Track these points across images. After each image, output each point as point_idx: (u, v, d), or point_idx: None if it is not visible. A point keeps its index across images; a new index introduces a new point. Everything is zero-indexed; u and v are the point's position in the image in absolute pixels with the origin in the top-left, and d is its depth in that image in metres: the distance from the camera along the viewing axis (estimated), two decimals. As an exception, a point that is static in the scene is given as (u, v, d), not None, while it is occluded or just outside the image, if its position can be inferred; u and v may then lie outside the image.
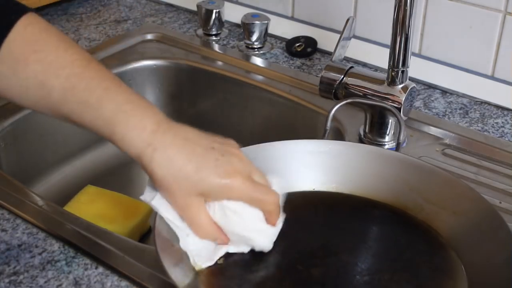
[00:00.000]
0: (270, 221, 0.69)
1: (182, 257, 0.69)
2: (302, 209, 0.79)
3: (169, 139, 0.65)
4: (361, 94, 0.93)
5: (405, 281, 0.70)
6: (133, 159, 0.66)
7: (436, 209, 0.76)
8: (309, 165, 0.81)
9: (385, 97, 0.91)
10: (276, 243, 0.71)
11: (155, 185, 0.66)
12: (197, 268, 0.68)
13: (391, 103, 0.90)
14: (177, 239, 0.68)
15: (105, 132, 0.66)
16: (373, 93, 0.92)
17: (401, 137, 0.89)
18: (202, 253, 0.68)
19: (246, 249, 0.70)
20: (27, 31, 0.66)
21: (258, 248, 0.70)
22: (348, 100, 0.92)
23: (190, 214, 0.67)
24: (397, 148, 0.89)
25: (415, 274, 0.71)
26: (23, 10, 0.66)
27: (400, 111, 0.90)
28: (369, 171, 0.80)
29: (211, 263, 0.69)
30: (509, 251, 0.67)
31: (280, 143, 0.81)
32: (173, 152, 0.65)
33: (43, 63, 0.65)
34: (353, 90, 0.93)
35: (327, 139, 0.89)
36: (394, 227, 0.77)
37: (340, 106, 0.91)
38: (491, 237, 0.70)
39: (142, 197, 0.68)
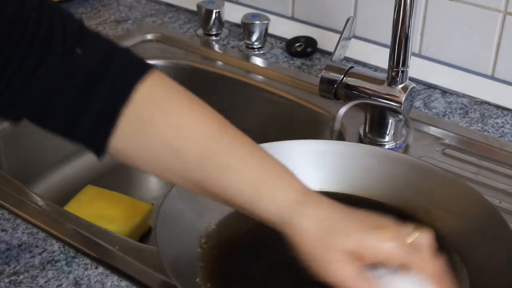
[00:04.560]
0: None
1: (182, 256, 0.69)
2: None
3: (317, 201, 0.62)
4: (361, 94, 0.93)
5: None
6: (272, 223, 0.61)
7: (443, 213, 0.76)
8: (320, 165, 0.81)
9: (385, 97, 0.91)
10: (278, 241, 0.71)
11: (299, 251, 0.61)
12: None
13: (393, 104, 0.90)
14: None
15: (245, 196, 0.61)
16: (373, 93, 0.92)
17: (410, 139, 0.89)
18: None
19: None
20: (154, 92, 0.61)
21: None
22: (357, 102, 0.92)
23: (341, 279, 0.59)
24: (406, 150, 0.88)
25: None
26: (146, 67, 0.61)
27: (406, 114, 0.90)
28: (379, 174, 0.80)
29: None
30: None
31: (285, 142, 0.81)
32: (322, 212, 0.61)
33: (177, 128, 0.61)
34: (353, 90, 0.93)
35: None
36: None
37: (350, 107, 0.91)
38: (497, 244, 0.70)
39: None
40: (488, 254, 0.69)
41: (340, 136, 0.98)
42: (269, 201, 0.61)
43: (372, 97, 0.92)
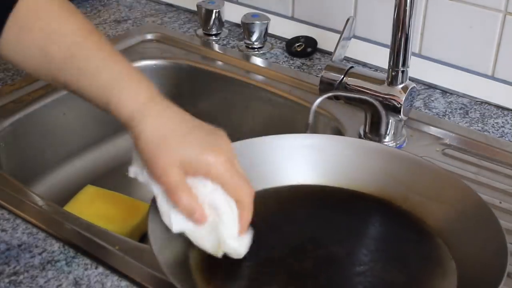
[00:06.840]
0: (241, 216, 0.68)
1: (177, 253, 0.69)
2: (289, 203, 0.80)
3: (160, 109, 0.68)
4: (361, 94, 0.93)
5: (397, 270, 0.70)
6: (123, 125, 0.68)
7: (421, 198, 0.77)
8: (294, 159, 0.81)
9: (385, 97, 0.91)
10: (265, 236, 0.71)
11: (138, 150, 0.67)
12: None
13: (390, 103, 0.90)
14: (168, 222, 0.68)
15: (100, 98, 0.68)
16: (373, 93, 0.92)
17: (383, 129, 0.89)
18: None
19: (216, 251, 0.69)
20: (32, 0, 0.69)
21: (230, 252, 0.69)
22: (330, 94, 0.92)
23: (167, 181, 0.66)
24: (379, 140, 0.89)
25: (406, 263, 0.72)
26: None
27: (387, 105, 0.90)
28: (353, 163, 0.81)
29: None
30: (495, 236, 0.68)
31: (267, 137, 0.81)
32: (161, 120, 0.67)
33: (45, 31, 0.69)
34: (353, 90, 0.93)
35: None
36: (380, 218, 0.78)
37: (323, 99, 0.91)
38: (476, 223, 0.71)
39: (130, 171, 0.70)
40: (476, 247, 0.70)
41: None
42: (115, 107, 0.67)
43: (371, 97, 0.92)
